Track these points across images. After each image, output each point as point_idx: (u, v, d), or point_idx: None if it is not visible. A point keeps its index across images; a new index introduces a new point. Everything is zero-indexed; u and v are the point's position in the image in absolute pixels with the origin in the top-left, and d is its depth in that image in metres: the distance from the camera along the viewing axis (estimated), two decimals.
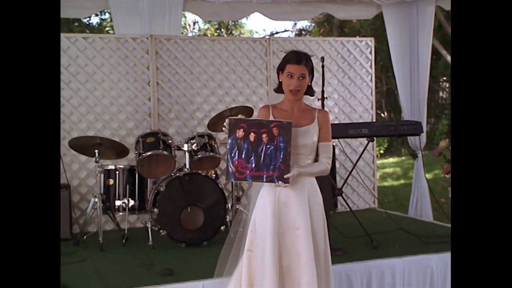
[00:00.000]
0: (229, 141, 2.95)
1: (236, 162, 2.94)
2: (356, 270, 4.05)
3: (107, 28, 14.09)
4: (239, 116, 3.10)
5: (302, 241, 2.95)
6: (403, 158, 13.70)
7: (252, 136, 2.94)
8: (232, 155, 2.94)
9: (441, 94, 16.64)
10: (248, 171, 2.94)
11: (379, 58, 13.13)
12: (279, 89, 3.11)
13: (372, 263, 4.13)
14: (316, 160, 3.10)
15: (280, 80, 3.09)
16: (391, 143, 15.17)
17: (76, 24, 13.72)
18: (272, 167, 2.92)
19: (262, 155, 2.93)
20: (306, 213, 2.99)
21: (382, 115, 15.80)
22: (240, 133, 2.94)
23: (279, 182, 2.92)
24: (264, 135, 2.93)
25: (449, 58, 12.70)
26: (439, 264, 4.19)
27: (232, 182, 5.28)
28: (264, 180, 2.94)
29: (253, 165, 2.93)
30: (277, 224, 2.96)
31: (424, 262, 4.20)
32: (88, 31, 13.49)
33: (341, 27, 15.05)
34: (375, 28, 13.02)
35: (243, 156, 2.93)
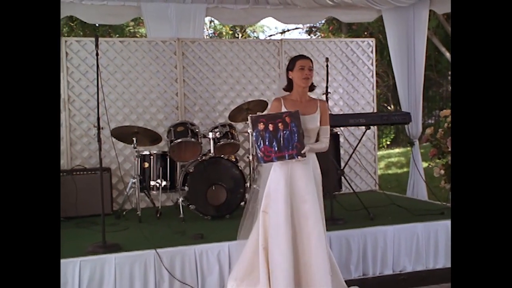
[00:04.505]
0: (254, 133, 3.73)
1: (263, 149, 3.70)
2: (354, 235, 4.72)
3: (128, 28, 14.93)
4: (257, 114, 3.91)
5: (310, 204, 3.72)
6: (408, 148, 14.35)
7: (270, 127, 3.70)
8: (258, 144, 3.71)
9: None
10: (273, 154, 3.69)
11: (385, 53, 13.75)
12: (288, 87, 3.91)
13: (367, 229, 4.81)
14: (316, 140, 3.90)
15: (290, 77, 3.88)
16: (397, 134, 15.82)
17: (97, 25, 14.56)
18: (290, 147, 3.68)
19: (281, 139, 3.68)
20: (312, 183, 3.78)
21: (389, 107, 16.46)
22: (261, 126, 3.70)
23: (298, 157, 3.70)
24: (280, 124, 3.69)
25: (448, 55, 13.40)
26: (424, 231, 4.90)
27: (249, 166, 6.10)
28: (287, 158, 3.69)
29: (276, 149, 3.68)
30: (289, 192, 3.72)
31: (411, 230, 4.88)
32: (110, 31, 14.34)
33: (349, 24, 15.64)
34: (382, 25, 13.59)
35: (266, 143, 3.69)
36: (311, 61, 3.92)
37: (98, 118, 4.44)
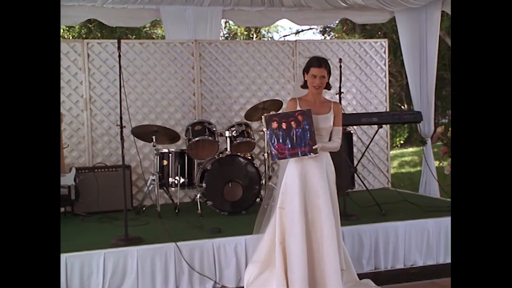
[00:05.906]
0: (268, 132, 3.90)
1: (277, 146, 3.87)
2: (366, 230, 4.87)
3: (145, 29, 15.21)
4: (271, 113, 4.08)
5: (322, 199, 3.88)
6: (421, 148, 14.41)
7: (284, 125, 3.86)
8: (272, 141, 3.88)
9: None
10: (286, 151, 3.86)
11: (399, 53, 13.82)
12: (304, 86, 4.10)
13: (379, 225, 4.94)
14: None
15: (305, 79, 4.06)
16: (411, 134, 15.90)
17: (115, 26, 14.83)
18: (303, 144, 3.84)
19: (294, 137, 3.85)
20: (325, 180, 3.94)
21: (402, 107, 16.53)
22: (274, 124, 3.87)
23: (311, 154, 3.86)
24: (292, 122, 3.86)
25: None
26: (434, 226, 5.02)
27: (265, 164, 6.26)
28: (300, 155, 3.86)
29: (289, 146, 3.85)
30: (303, 188, 3.90)
31: (422, 225, 5.01)
32: (127, 32, 14.60)
33: (363, 24, 15.73)
34: (396, 25, 13.63)
35: (280, 141, 3.86)
36: (327, 66, 4.01)
37: (121, 118, 4.64)
